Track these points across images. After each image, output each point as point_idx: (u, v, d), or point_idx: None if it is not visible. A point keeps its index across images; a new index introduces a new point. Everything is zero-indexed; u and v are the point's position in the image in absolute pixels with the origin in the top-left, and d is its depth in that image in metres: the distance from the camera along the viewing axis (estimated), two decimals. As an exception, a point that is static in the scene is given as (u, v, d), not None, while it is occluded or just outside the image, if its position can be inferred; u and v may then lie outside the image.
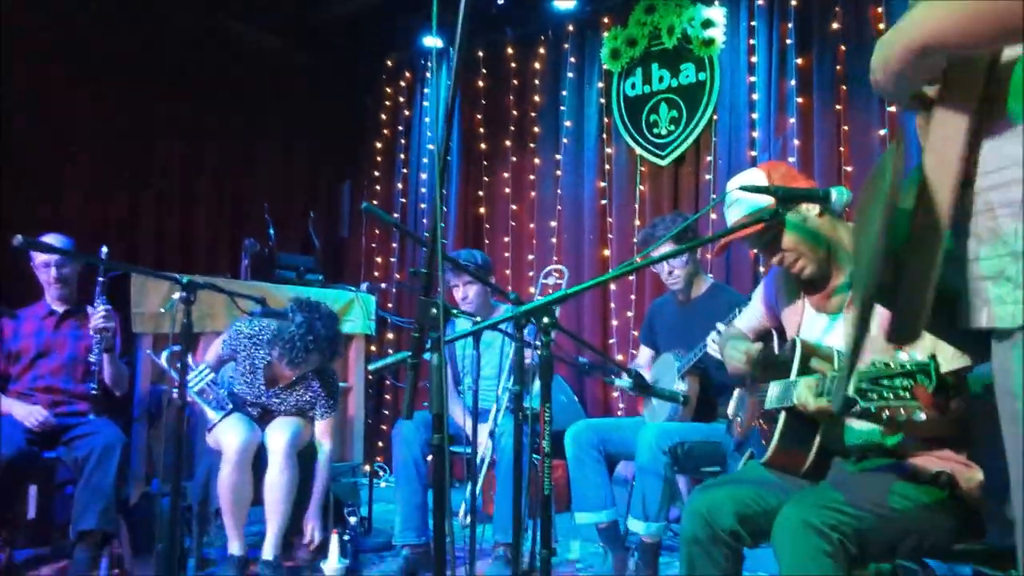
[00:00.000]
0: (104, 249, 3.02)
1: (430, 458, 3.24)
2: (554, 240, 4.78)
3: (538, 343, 1.52)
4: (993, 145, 0.83)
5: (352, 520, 3.20)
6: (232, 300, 2.18)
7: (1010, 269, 0.80)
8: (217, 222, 5.21)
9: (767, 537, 1.67)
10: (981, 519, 1.63)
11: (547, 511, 1.45)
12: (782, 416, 1.68)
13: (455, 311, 2.14)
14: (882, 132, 3.63)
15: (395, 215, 5.69)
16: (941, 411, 1.25)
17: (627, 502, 2.96)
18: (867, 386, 1.29)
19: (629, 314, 4.39)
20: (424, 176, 5.43)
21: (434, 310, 1.15)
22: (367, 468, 4.73)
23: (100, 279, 3.01)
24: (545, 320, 1.47)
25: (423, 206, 5.43)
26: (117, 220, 4.63)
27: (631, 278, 4.41)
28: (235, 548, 2.87)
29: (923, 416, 1.25)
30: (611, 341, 4.44)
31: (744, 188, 1.55)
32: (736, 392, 2.17)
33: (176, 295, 1.92)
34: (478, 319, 1.86)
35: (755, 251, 1.87)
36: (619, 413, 4.32)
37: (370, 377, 4.98)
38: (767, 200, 1.57)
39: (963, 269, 0.86)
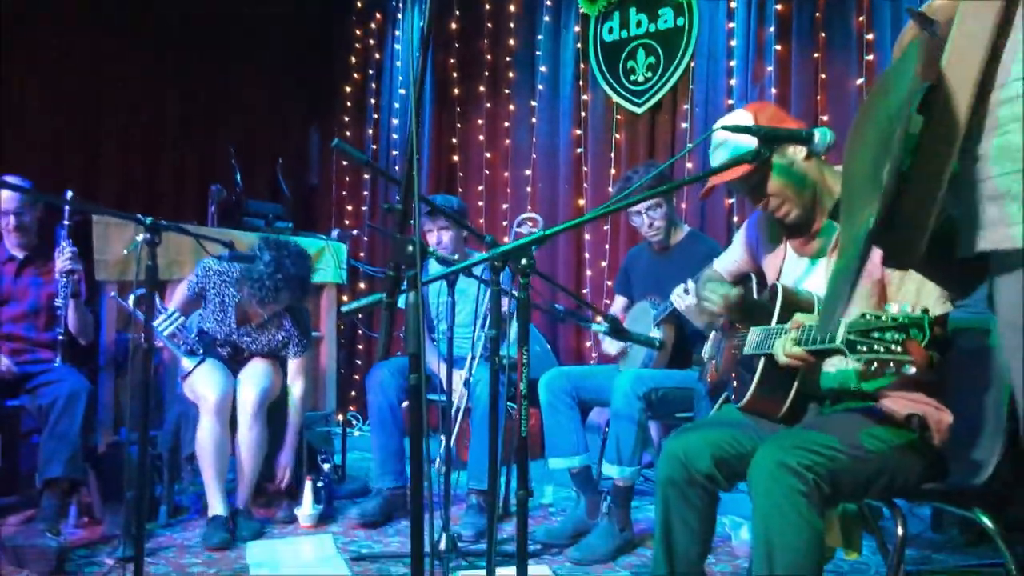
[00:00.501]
0: (69, 193, 2.93)
1: (405, 404, 3.23)
2: (529, 189, 4.72)
3: (515, 289, 1.49)
4: (1009, 55, 0.80)
5: (326, 467, 3.20)
6: (199, 243, 2.11)
7: (1016, 187, 0.77)
8: (182, 168, 5.05)
9: (742, 479, 1.68)
10: (946, 461, 1.66)
11: (524, 453, 1.44)
12: (761, 362, 1.69)
13: (431, 250, 2.09)
14: (859, 81, 3.60)
15: (366, 162, 5.57)
16: (932, 366, 1.24)
17: (600, 448, 2.99)
18: (857, 338, 1.26)
19: (603, 264, 4.38)
20: (396, 121, 5.30)
21: (410, 247, 1.11)
22: (340, 417, 4.73)
23: (65, 223, 2.93)
24: (523, 262, 1.43)
25: (395, 153, 5.32)
26: (78, 167, 4.46)
27: (605, 227, 4.39)
28: (219, 508, 2.79)
29: (912, 370, 1.24)
30: (585, 291, 4.44)
31: (728, 128, 1.52)
32: (712, 336, 2.17)
33: (140, 237, 1.85)
34: (456, 257, 1.82)
35: (739, 196, 1.85)
36: (592, 361, 4.34)
37: (342, 327, 4.95)
38: (753, 143, 1.55)
39: (966, 193, 0.83)
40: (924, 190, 0.82)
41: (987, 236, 0.81)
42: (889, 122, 0.89)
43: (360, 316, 5.36)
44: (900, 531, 1.58)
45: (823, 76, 3.74)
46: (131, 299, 2.89)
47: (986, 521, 1.61)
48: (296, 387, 3.11)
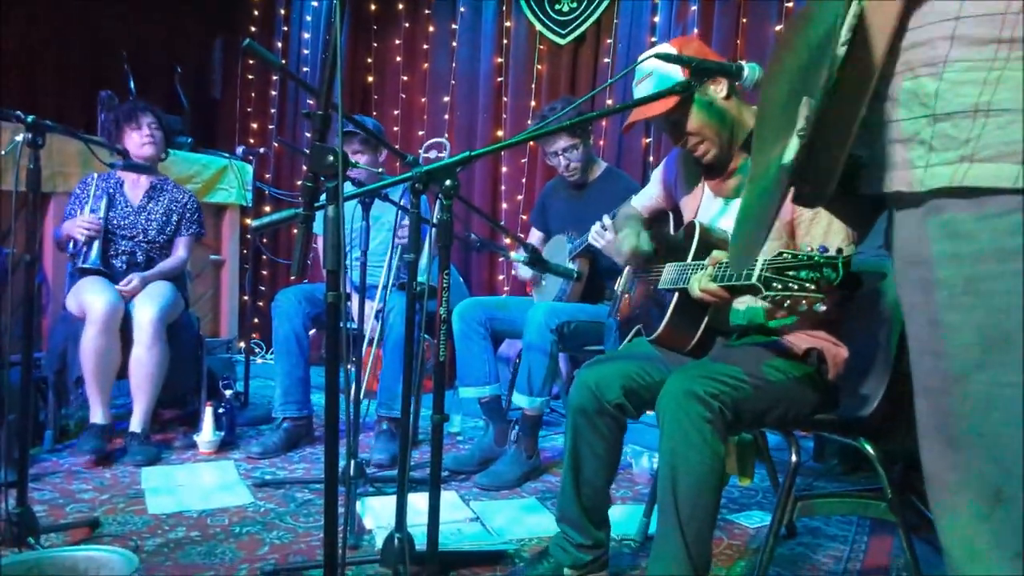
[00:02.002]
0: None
1: (312, 332, 3.15)
2: (446, 117, 4.59)
3: (434, 216, 1.45)
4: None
5: (227, 393, 3.09)
6: (89, 149, 1.93)
7: (925, 132, 0.79)
8: (66, 71, 4.62)
9: (650, 409, 1.73)
10: (838, 394, 1.76)
11: (442, 377, 1.42)
12: (675, 297, 1.72)
13: (354, 161, 1.99)
14: (779, 27, 3.64)
15: (274, 78, 5.27)
16: (842, 303, 1.28)
17: (510, 380, 3.02)
18: (771, 275, 1.29)
19: (519, 198, 4.35)
20: (307, 36, 5.01)
21: (331, 157, 1.04)
22: (242, 344, 4.58)
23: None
24: (447, 183, 1.38)
25: (305, 69, 5.04)
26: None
27: (523, 160, 4.34)
28: (98, 416, 2.72)
29: (823, 308, 1.28)
30: (500, 224, 4.41)
31: (659, 56, 1.50)
32: (625, 271, 2.20)
33: (20, 137, 1.67)
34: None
35: (658, 134, 1.84)
36: (504, 294, 4.35)
37: (245, 252, 4.74)
38: (679, 76, 1.53)
39: (873, 133, 0.84)
40: (838, 132, 0.82)
41: (892, 177, 0.83)
42: (809, 52, 0.88)
43: (264, 240, 5.15)
44: (794, 457, 1.68)
45: (744, 20, 3.76)
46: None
47: (868, 448, 1.73)
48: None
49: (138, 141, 2.91)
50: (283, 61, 5.12)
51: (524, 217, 4.21)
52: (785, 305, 1.30)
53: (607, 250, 2.59)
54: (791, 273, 1.29)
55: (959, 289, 0.77)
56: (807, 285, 1.27)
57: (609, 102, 4.07)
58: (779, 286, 1.29)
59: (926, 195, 0.80)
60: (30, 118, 1.66)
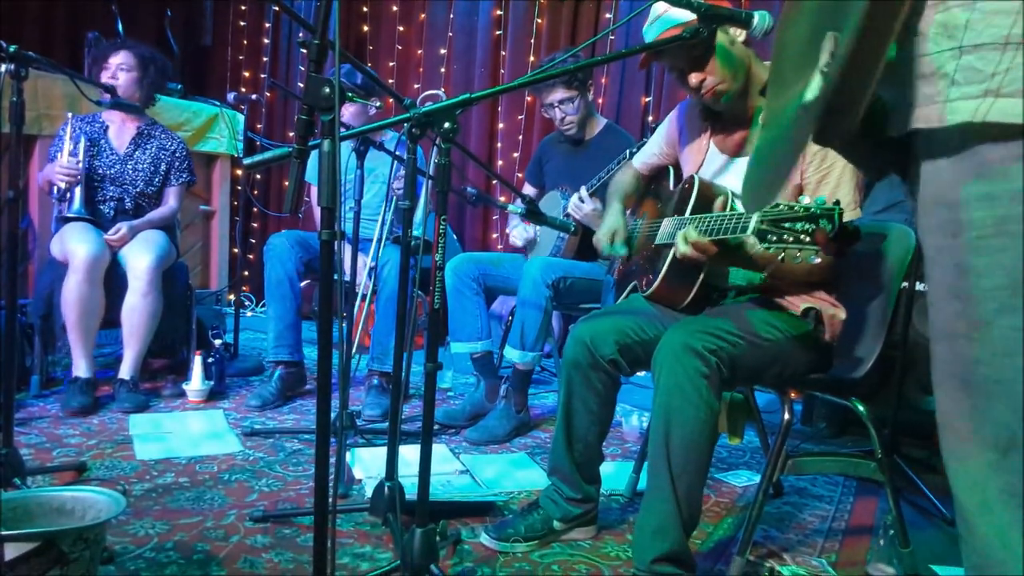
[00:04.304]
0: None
1: (305, 284, 3.12)
2: (443, 70, 4.51)
3: (431, 164, 1.41)
4: None
5: (217, 343, 3.07)
6: (76, 86, 1.87)
7: (949, 65, 0.76)
8: (52, 11, 4.48)
9: (643, 367, 1.72)
10: (831, 354, 1.76)
11: (437, 326, 1.40)
12: (671, 252, 1.69)
13: (350, 95, 1.94)
14: (785, -14, 3.57)
15: (266, 25, 5.14)
16: (838, 256, 1.28)
17: (502, 336, 3.01)
18: (768, 227, 1.29)
19: (515, 155, 4.30)
20: (301, -16, 4.87)
21: (327, 88, 1.00)
22: (231, 297, 4.54)
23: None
24: (447, 125, 1.34)
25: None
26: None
27: (520, 117, 4.28)
28: (81, 369, 2.67)
29: (818, 260, 1.27)
30: (495, 183, 4.36)
31: (670, 0, 1.45)
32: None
33: (3, 68, 1.61)
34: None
35: (674, 74, 1.78)
36: (498, 251, 4.32)
37: (235, 203, 4.67)
38: (691, 18, 1.48)
39: (900, 70, 0.81)
40: (862, 69, 0.79)
41: (914, 115, 0.80)
42: None
43: (255, 192, 5.08)
44: (786, 416, 1.68)
45: (750, -22, 3.68)
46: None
47: (860, 408, 1.73)
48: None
49: (103, 80, 2.82)
50: (275, 8, 4.99)
51: (520, 175, 4.16)
52: (780, 257, 1.29)
53: (587, 220, 2.61)
54: (787, 224, 1.28)
55: (990, 230, 0.75)
56: (802, 237, 1.26)
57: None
58: (774, 237, 1.28)
59: (955, 135, 0.77)
60: (12, 48, 1.60)
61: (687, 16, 1.53)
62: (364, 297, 2.85)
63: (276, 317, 2.91)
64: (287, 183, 1.09)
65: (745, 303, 1.73)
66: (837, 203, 1.27)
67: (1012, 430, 0.75)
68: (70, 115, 2.90)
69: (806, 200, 1.29)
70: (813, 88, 0.79)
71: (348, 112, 2.95)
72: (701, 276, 1.69)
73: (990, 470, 0.77)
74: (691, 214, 1.69)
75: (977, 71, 0.74)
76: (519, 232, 3.02)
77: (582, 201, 2.65)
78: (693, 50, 1.66)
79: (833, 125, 0.83)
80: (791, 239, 1.28)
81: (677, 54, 1.70)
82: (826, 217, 1.26)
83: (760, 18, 1.45)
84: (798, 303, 1.69)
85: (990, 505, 0.77)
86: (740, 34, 1.69)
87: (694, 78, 1.70)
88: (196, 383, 2.84)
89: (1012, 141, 0.73)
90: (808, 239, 1.27)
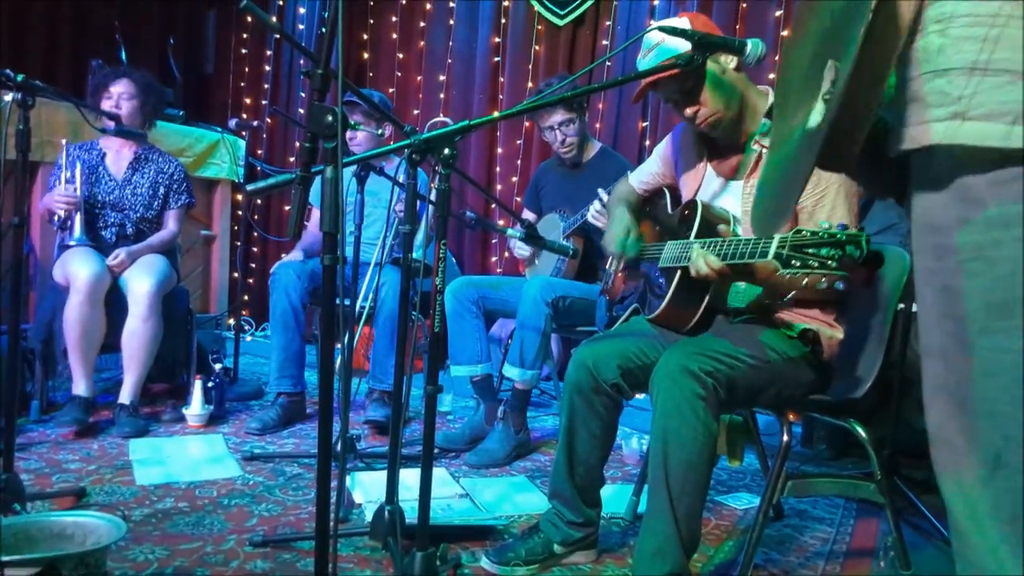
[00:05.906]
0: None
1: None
2: (442, 96, 4.56)
3: (431, 190, 1.43)
4: None
5: (217, 367, 3.07)
6: (82, 113, 1.90)
7: (923, 89, 0.79)
8: (56, 38, 4.54)
9: (645, 389, 1.73)
10: (830, 375, 1.77)
11: (437, 348, 1.41)
12: (678, 275, 1.70)
13: (354, 123, 1.97)
14: (778, 13, 3.63)
15: (268, 52, 5.21)
16: (866, 282, 1.27)
17: (501, 359, 3.01)
18: (791, 253, 1.26)
19: (514, 179, 4.33)
20: (303, 11, 4.94)
21: (330, 117, 1.02)
22: (231, 321, 4.55)
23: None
24: (446, 151, 1.37)
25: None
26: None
27: (518, 142, 4.32)
28: (81, 388, 2.69)
29: (842, 286, 1.26)
30: (493, 208, 4.39)
31: (664, 29, 1.48)
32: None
33: (8, 97, 1.63)
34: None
35: (668, 104, 1.80)
36: (497, 274, 4.34)
37: (236, 228, 4.70)
38: (686, 49, 1.51)
39: (897, 95, 0.84)
40: (861, 99, 0.81)
41: (906, 136, 0.83)
42: (832, 17, 0.87)
43: (255, 217, 5.11)
44: (785, 437, 1.68)
45: (744, 5, 3.74)
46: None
47: (859, 430, 1.74)
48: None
49: (106, 108, 2.85)
50: (276, 36, 5.06)
51: (518, 199, 4.19)
52: (804, 283, 1.27)
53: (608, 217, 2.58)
54: (811, 250, 1.25)
55: (970, 254, 0.77)
56: (828, 263, 1.25)
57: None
58: (798, 263, 1.26)
59: (940, 160, 0.79)
60: (19, 76, 1.63)
61: (682, 46, 1.56)
62: (358, 321, 2.86)
63: (279, 347, 2.91)
64: (288, 208, 1.12)
65: (744, 323, 1.74)
66: (862, 229, 1.27)
67: (997, 448, 0.76)
68: (64, 143, 2.93)
69: (826, 224, 1.28)
70: (815, 115, 0.81)
71: (359, 138, 2.98)
72: (706, 299, 1.71)
73: (981, 486, 0.78)
74: (695, 237, 1.70)
75: (945, 94, 0.77)
76: (522, 244, 3.04)
77: (605, 206, 2.61)
78: (685, 83, 1.69)
79: (837, 151, 0.85)
80: (816, 264, 1.25)
81: (671, 86, 1.73)
82: (853, 243, 1.23)
83: (753, 45, 1.48)
84: (795, 323, 1.71)
85: (982, 520, 0.78)
86: (731, 61, 1.72)
87: (688, 111, 1.73)
88: (196, 407, 2.85)
89: (987, 169, 0.76)
90: (834, 264, 1.26)
